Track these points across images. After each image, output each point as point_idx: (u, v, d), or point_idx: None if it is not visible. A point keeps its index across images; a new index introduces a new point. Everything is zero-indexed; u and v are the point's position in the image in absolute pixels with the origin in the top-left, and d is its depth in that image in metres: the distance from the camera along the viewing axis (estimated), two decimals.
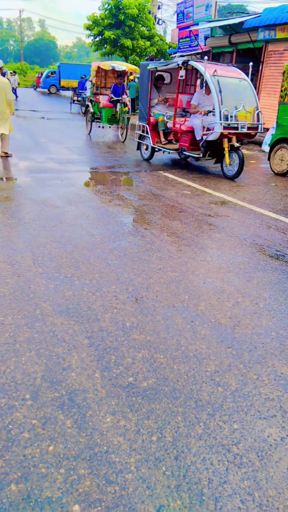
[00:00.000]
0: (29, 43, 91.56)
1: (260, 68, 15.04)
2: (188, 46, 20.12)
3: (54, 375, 2.47)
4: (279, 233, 5.23)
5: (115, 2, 20.17)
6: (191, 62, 8.40)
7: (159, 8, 26.55)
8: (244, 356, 2.76)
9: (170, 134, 9.40)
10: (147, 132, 9.43)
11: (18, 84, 26.85)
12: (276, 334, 3.03)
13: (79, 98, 22.84)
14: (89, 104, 13.91)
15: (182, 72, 8.30)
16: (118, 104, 12.54)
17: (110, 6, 20.37)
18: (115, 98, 12.58)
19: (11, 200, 5.83)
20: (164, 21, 28.36)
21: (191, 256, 4.34)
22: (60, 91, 37.28)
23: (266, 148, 12.45)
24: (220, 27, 16.69)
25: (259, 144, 13.20)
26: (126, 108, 12.47)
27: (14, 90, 24.98)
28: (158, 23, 25.32)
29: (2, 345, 2.71)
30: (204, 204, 6.33)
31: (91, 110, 13.65)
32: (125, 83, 13.48)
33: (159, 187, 7.24)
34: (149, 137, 9.37)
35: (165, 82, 9.93)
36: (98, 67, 13.62)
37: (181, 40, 21.04)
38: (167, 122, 9.14)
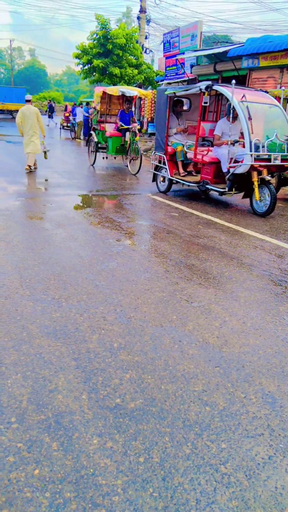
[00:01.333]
0: (19, 71, 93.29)
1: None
2: (175, 74, 20.69)
3: (40, 398, 2.44)
4: (265, 253, 5.30)
5: (103, 32, 20.78)
6: (216, 87, 7.48)
7: (146, 38, 27.40)
8: (231, 375, 2.76)
9: (189, 165, 8.66)
10: (164, 163, 8.68)
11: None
12: (263, 352, 3.05)
13: (69, 124, 23.19)
14: (92, 133, 12.67)
15: (206, 98, 7.56)
16: (128, 133, 11.44)
17: (98, 36, 20.96)
18: (125, 127, 11.44)
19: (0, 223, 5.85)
20: (151, 50, 29.23)
21: (179, 276, 4.36)
22: None
23: None
24: (206, 55, 17.24)
25: None
26: (137, 138, 11.46)
27: None
28: (145, 52, 26.08)
29: None
30: (192, 225, 6.41)
31: (95, 139, 12.38)
32: (133, 109, 12.50)
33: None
34: (166, 168, 8.61)
35: (184, 108, 9.15)
36: (104, 93, 12.33)
37: (168, 68, 21.64)
38: (186, 152, 8.36)
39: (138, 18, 26.41)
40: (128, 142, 11.41)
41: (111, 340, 3.09)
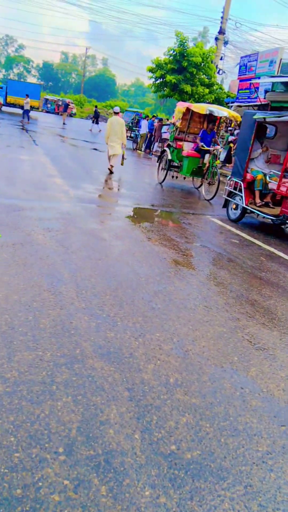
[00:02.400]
0: (90, 78, 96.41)
1: None
2: (247, 97, 20.45)
3: (90, 429, 2.25)
4: None
5: (180, 49, 20.95)
6: None
7: (221, 59, 27.40)
8: None
9: (267, 195, 8.07)
10: (239, 190, 8.10)
11: (31, 107, 27.83)
12: None
13: (132, 135, 23.45)
14: (167, 149, 11.76)
15: None
16: (207, 155, 10.69)
17: (175, 52, 21.15)
18: (205, 148, 10.69)
19: (59, 227, 5.81)
20: (224, 71, 29.17)
21: (240, 311, 4.09)
22: (6, 107, 35.55)
23: None
24: (282, 83, 16.90)
25: None
26: (218, 161, 10.76)
27: (27, 112, 26.05)
28: (218, 72, 26.05)
29: (38, 384, 2.53)
30: (254, 256, 6.11)
31: (169, 156, 11.52)
32: (216, 131, 11.46)
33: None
34: (241, 196, 8.02)
35: (268, 135, 8.66)
36: (188, 109, 11.34)
37: (240, 91, 21.44)
38: (266, 182, 7.94)
39: (216, 39, 26.46)
40: (207, 165, 10.70)
41: (167, 374, 2.87)
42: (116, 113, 11.82)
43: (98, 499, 1.86)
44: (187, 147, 11.37)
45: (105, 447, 2.15)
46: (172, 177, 12.13)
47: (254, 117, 7.78)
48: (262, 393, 2.85)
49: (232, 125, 18.74)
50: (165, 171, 11.62)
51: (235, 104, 20.93)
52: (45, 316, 3.33)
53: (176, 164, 11.54)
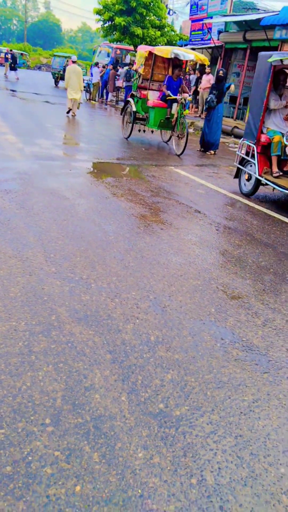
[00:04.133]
0: (33, 24, 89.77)
1: None
2: (200, 39, 19.72)
3: (76, 396, 2.19)
4: None
5: None
6: None
7: None
8: (282, 384, 2.51)
9: (287, 163, 6.51)
10: (252, 156, 6.51)
11: None
12: None
13: (85, 84, 22.29)
14: (130, 100, 10.53)
15: None
16: (175, 105, 9.61)
17: None
18: (172, 97, 9.56)
19: (17, 188, 5.49)
20: (175, 12, 27.88)
21: (213, 262, 4.08)
22: None
23: None
24: (235, 22, 16.32)
25: None
26: (187, 111, 9.61)
27: None
28: (169, 13, 24.84)
29: (16, 356, 2.43)
30: (219, 205, 6.07)
31: (133, 108, 10.29)
32: (182, 76, 10.20)
33: None
34: (254, 164, 6.48)
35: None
36: (150, 53, 10.05)
37: (193, 33, 20.62)
38: (286, 145, 6.22)
39: None
40: (175, 116, 9.53)
41: (147, 332, 2.83)
42: (74, 62, 13.28)
43: (91, 466, 1.83)
44: (153, 97, 10.28)
45: (92, 413, 2.10)
46: (139, 130, 10.91)
47: (269, 60, 6.04)
48: (242, 342, 2.87)
49: (187, 70, 17.91)
50: (131, 124, 10.50)
51: (189, 46, 20.15)
52: (14, 284, 3.17)
53: (141, 116, 10.43)
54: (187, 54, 9.55)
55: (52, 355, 2.48)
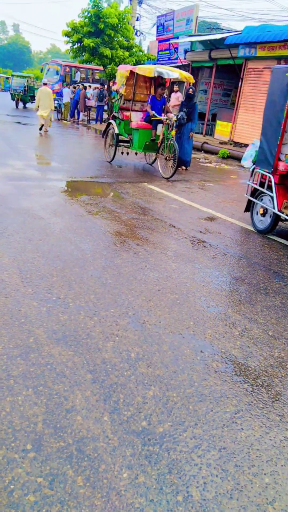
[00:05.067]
0: (2, 46, 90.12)
1: (240, 84, 15.20)
2: (167, 58, 20.20)
3: (57, 419, 2.16)
4: (273, 252, 5.09)
5: (95, 10, 19.94)
6: None
7: (137, 19, 26.64)
8: (262, 393, 2.53)
9: None
10: (269, 188, 5.58)
11: None
12: None
13: (56, 105, 22.41)
14: (112, 122, 10.03)
15: None
16: (160, 125, 9.20)
17: (90, 14, 20.11)
18: (158, 117, 9.05)
19: None
20: (142, 33, 28.49)
21: (189, 276, 4.11)
22: None
23: (245, 163, 12.48)
24: (201, 41, 16.82)
25: (238, 159, 13.26)
26: (173, 132, 9.16)
27: None
28: (136, 34, 25.36)
29: None
30: (193, 219, 6.15)
31: (116, 130, 9.77)
32: (165, 95, 9.82)
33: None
34: (272, 197, 5.49)
35: None
36: (131, 73, 9.63)
37: (160, 53, 21.12)
38: None
39: None
40: (161, 137, 9.15)
41: (128, 349, 2.82)
42: (44, 84, 14.91)
43: (75, 491, 1.79)
44: (136, 118, 9.77)
45: (75, 436, 2.07)
46: (122, 153, 10.51)
47: None
48: (221, 353, 2.89)
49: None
50: (114, 147, 9.98)
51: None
52: None
53: (125, 139, 9.91)
54: (171, 72, 9.17)
55: (31, 378, 2.44)
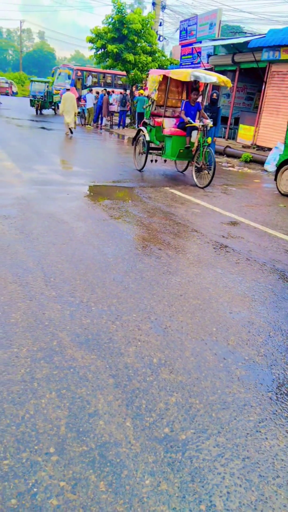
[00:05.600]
0: (28, 53, 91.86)
1: (263, 88, 15.06)
2: (190, 63, 20.20)
3: (79, 423, 2.16)
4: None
5: (119, 16, 20.17)
6: None
7: (160, 24, 26.79)
8: (286, 402, 2.48)
9: None
10: None
11: None
12: None
13: (79, 110, 22.68)
14: (143, 129, 9.57)
15: None
16: (195, 132, 8.67)
17: (114, 21, 20.35)
18: (193, 124, 8.57)
19: (16, 213, 5.53)
20: (165, 38, 28.61)
21: (212, 281, 4.08)
22: None
23: (268, 167, 12.37)
24: (224, 46, 16.76)
25: (261, 163, 13.12)
26: (210, 139, 8.51)
27: None
28: (159, 39, 25.47)
29: (18, 383, 2.40)
30: (216, 224, 6.11)
31: (147, 138, 9.33)
32: (200, 100, 9.30)
33: None
34: None
35: None
36: (165, 77, 9.16)
37: (183, 57, 21.15)
38: None
39: (154, 4, 25.79)
40: (196, 145, 8.66)
41: (150, 354, 2.81)
42: (67, 90, 16.21)
43: (98, 496, 1.79)
44: (169, 124, 9.26)
45: (97, 440, 2.07)
46: (152, 161, 9.97)
47: None
48: (244, 361, 2.85)
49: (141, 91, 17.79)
50: (144, 155, 9.53)
51: None
52: (15, 310, 3.16)
53: (156, 146, 9.49)
54: (209, 76, 8.59)
55: (55, 381, 2.46)
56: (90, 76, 28.04)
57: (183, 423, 2.24)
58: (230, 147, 14.87)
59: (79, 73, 27.89)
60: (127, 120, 23.40)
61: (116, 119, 23.59)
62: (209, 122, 8.59)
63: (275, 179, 9.24)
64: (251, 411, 2.38)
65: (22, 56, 73.73)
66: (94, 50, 21.52)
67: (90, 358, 2.70)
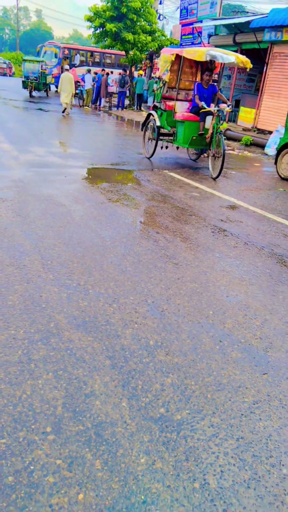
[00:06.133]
0: (25, 32, 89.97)
1: (265, 69, 14.83)
2: (190, 43, 19.82)
3: (76, 403, 2.19)
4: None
5: None
6: None
7: (160, 3, 26.25)
8: (282, 384, 2.51)
9: None
10: None
11: None
12: None
13: (77, 91, 22.34)
14: (153, 113, 8.91)
15: None
16: (209, 118, 7.86)
17: None
18: (207, 108, 7.79)
19: (13, 196, 5.49)
20: (165, 17, 28.01)
21: (209, 265, 4.08)
22: None
23: (269, 151, 12.27)
24: (225, 25, 16.44)
25: (262, 146, 13.01)
26: (225, 125, 7.90)
27: None
28: (159, 18, 24.95)
29: (15, 365, 2.42)
30: (215, 207, 6.09)
31: (157, 123, 8.69)
32: (214, 83, 8.56)
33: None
34: None
35: None
36: (177, 57, 8.29)
37: (183, 37, 20.75)
38: None
39: None
40: (210, 131, 7.81)
41: (146, 336, 2.83)
42: (66, 70, 16.33)
43: (94, 474, 1.82)
44: (181, 108, 8.52)
45: (93, 420, 2.10)
46: (162, 147, 9.34)
47: None
48: (240, 344, 2.87)
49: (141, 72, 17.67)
50: (154, 141, 8.87)
51: None
52: (12, 292, 3.17)
53: (167, 132, 8.80)
54: (226, 55, 7.74)
55: (52, 362, 2.48)
56: (78, 55, 27.33)
57: (179, 403, 2.27)
58: (230, 130, 14.72)
59: (66, 52, 26.96)
60: (126, 102, 23.07)
61: (114, 100, 23.27)
62: (225, 107, 7.77)
63: (275, 163, 9.18)
64: (246, 392, 2.41)
65: (19, 36, 72.28)
66: (92, 29, 21.11)
67: (87, 340, 2.72)
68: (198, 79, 9.07)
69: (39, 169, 7.15)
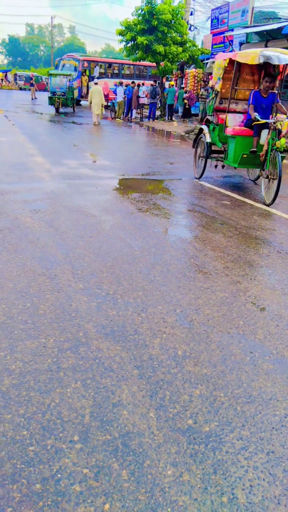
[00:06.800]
0: (59, 48, 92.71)
1: None
2: (222, 52, 19.80)
3: (104, 413, 2.19)
4: None
5: (148, 7, 20.01)
6: None
7: (191, 14, 26.36)
8: None
9: None
10: None
11: None
12: None
13: (109, 104, 22.75)
14: (204, 128, 7.87)
15: None
16: (265, 132, 6.61)
17: (143, 12, 20.22)
18: (261, 121, 6.51)
19: (46, 207, 5.63)
20: (196, 27, 28.13)
21: (240, 274, 4.02)
22: None
23: None
24: (256, 33, 16.35)
25: None
26: (283, 140, 6.42)
27: None
28: (190, 29, 25.10)
29: (45, 373, 2.46)
30: (247, 216, 6.01)
31: (207, 139, 7.66)
32: (276, 92, 7.08)
33: None
34: None
35: None
36: (231, 61, 7.11)
37: (214, 46, 20.77)
38: None
39: None
40: (265, 148, 6.59)
41: (175, 346, 2.81)
42: (95, 84, 17.97)
43: (120, 484, 1.81)
44: (233, 122, 7.27)
45: (121, 430, 2.09)
46: (216, 166, 8.25)
47: None
48: (272, 355, 2.80)
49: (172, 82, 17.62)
50: (204, 160, 7.82)
51: (210, 60, 20.27)
52: (43, 302, 3.23)
53: (219, 149, 7.75)
54: (284, 56, 6.48)
55: (80, 371, 2.50)
56: (97, 67, 27.50)
57: (207, 415, 2.23)
58: None
59: (86, 64, 27.13)
60: (157, 113, 23.25)
61: (146, 111, 23.51)
62: (283, 118, 6.48)
63: None
64: (278, 405, 2.35)
65: (53, 52, 74.50)
66: (124, 43, 21.48)
67: (115, 349, 2.73)
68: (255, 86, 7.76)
69: (71, 181, 7.30)
